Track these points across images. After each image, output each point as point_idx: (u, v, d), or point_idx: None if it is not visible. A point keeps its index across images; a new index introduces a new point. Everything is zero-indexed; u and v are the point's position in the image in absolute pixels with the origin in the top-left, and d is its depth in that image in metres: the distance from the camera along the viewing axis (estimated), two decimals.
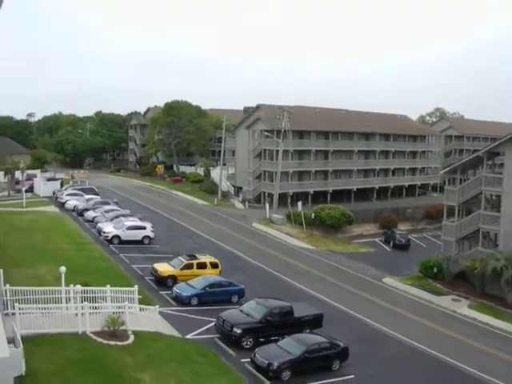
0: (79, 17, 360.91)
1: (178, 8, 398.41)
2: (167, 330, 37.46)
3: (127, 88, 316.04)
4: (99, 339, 32.01)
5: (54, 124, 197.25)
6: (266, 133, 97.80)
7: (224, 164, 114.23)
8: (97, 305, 34.63)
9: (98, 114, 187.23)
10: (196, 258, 50.62)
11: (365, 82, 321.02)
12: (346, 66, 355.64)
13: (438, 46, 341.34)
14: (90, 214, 74.25)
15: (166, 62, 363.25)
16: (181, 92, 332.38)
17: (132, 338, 33.52)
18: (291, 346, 33.87)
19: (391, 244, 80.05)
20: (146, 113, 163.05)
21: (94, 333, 32.61)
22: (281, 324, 38.07)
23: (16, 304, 31.48)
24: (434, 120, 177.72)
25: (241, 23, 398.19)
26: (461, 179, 61.45)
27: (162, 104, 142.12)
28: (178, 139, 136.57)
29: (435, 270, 58.56)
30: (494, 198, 59.90)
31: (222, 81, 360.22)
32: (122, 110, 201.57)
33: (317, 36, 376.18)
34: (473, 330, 45.91)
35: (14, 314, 31.01)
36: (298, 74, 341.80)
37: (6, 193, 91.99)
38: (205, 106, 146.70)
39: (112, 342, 32.00)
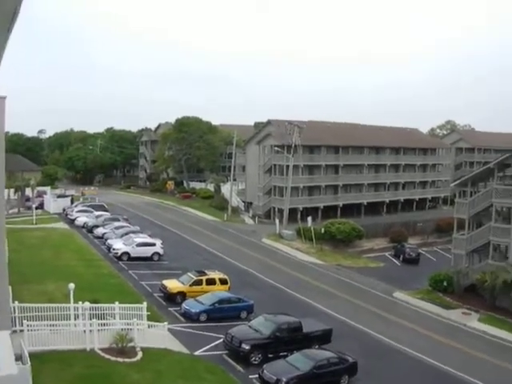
0: (81, 30, 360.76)
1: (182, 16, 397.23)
2: (176, 346, 37.43)
3: (139, 101, 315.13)
4: (107, 356, 32.00)
5: (64, 140, 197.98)
6: (276, 148, 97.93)
7: (234, 179, 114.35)
8: (105, 321, 34.63)
9: (109, 130, 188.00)
10: (205, 274, 50.66)
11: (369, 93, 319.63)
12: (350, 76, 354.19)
13: (442, 56, 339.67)
14: (99, 231, 74.54)
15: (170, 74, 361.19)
16: (191, 105, 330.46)
17: (140, 354, 33.50)
18: (300, 362, 33.74)
19: (401, 258, 79.72)
20: (156, 129, 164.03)
21: (102, 349, 32.61)
22: (289, 340, 38.00)
23: (24, 321, 31.54)
24: (445, 133, 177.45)
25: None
26: (471, 192, 61.21)
27: (172, 120, 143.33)
28: (189, 155, 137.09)
29: (445, 283, 58.42)
30: (504, 210, 59.65)
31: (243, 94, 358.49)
32: (133, 126, 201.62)
33: (318, 44, 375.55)
34: (483, 343, 45.65)
35: (22, 330, 31.05)
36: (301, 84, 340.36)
37: (16, 210, 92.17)
38: (216, 119, 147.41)
39: (120, 359, 31.97)
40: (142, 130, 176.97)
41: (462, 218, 60.57)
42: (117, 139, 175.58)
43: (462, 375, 37.87)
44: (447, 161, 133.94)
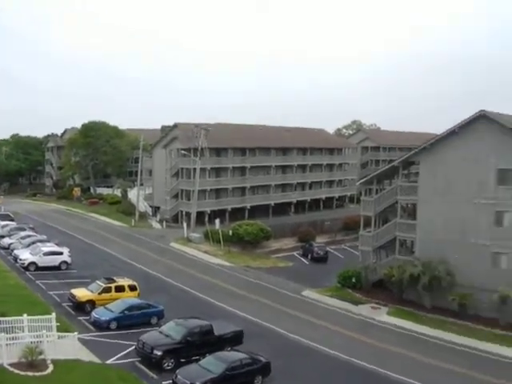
0: None
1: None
2: (87, 356, 36.82)
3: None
4: (16, 371, 31.17)
5: None
6: (182, 151, 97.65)
7: (141, 184, 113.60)
8: (13, 335, 33.79)
9: (14, 136, 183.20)
10: (114, 282, 50.05)
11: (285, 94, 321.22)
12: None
13: (354, 60, 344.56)
14: (5, 241, 72.79)
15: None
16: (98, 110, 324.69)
17: (51, 367, 32.82)
18: (212, 365, 33.77)
19: (309, 257, 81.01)
20: (63, 134, 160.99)
21: (11, 364, 31.72)
22: (201, 343, 38.02)
23: None
24: (351, 132, 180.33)
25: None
26: (377, 189, 62.66)
27: (79, 125, 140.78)
28: (95, 161, 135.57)
29: (354, 279, 59.60)
30: (409, 206, 61.16)
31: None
32: (40, 132, 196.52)
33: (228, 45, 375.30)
34: (393, 335, 47.15)
35: None
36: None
37: None
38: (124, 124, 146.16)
39: (30, 373, 31.22)
40: (48, 135, 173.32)
41: (369, 215, 61.88)
42: (22, 145, 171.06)
43: (374, 368, 38.90)
44: (353, 160, 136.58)
